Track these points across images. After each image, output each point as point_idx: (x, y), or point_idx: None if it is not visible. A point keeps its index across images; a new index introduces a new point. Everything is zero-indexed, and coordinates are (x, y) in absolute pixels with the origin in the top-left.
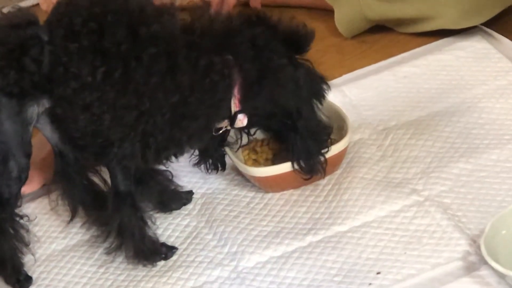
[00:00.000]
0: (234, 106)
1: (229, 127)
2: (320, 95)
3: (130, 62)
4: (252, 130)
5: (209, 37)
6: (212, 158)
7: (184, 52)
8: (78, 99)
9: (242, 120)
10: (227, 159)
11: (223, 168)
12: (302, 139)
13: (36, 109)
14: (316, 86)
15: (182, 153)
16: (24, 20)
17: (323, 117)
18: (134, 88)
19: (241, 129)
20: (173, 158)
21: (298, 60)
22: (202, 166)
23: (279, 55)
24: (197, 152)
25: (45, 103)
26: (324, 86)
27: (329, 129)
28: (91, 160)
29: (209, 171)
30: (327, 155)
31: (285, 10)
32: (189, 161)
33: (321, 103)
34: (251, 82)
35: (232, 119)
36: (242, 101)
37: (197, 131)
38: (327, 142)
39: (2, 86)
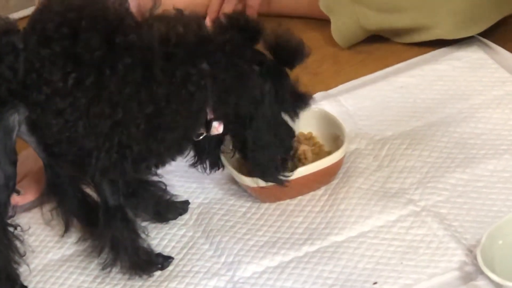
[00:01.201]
0: (209, 113)
1: (206, 134)
2: (290, 112)
3: (104, 70)
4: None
5: (184, 46)
6: (210, 158)
7: (160, 63)
8: (51, 105)
9: (217, 128)
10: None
11: (222, 167)
12: (249, 149)
13: (17, 117)
14: (287, 101)
15: (163, 164)
16: (0, 29)
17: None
18: (108, 97)
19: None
20: (154, 169)
21: (272, 70)
22: (199, 166)
23: (248, 61)
24: (192, 153)
25: (25, 111)
26: (299, 104)
27: (287, 149)
28: (71, 171)
29: (207, 171)
30: (316, 170)
31: (281, 20)
32: (185, 161)
33: (292, 119)
34: (221, 90)
35: (208, 126)
36: (214, 109)
37: (175, 142)
38: (284, 162)
39: None
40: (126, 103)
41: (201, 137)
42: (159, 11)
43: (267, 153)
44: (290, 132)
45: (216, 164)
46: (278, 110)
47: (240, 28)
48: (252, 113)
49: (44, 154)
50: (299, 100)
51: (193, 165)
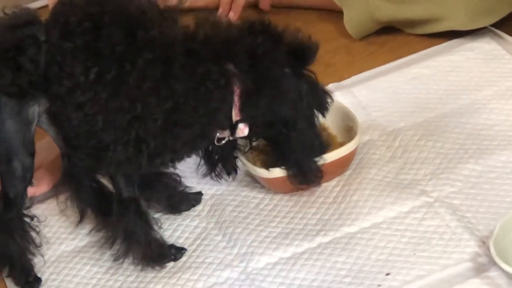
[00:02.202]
0: (235, 115)
1: (231, 138)
2: (322, 108)
3: (125, 65)
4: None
5: (210, 45)
6: (225, 164)
7: (182, 59)
8: (71, 98)
9: (243, 130)
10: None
11: (235, 173)
12: (292, 150)
13: (37, 108)
14: (319, 98)
15: (178, 160)
16: (23, 20)
17: (330, 125)
18: (127, 92)
19: (244, 138)
20: (170, 164)
21: (302, 71)
22: (213, 175)
23: (280, 65)
24: (203, 163)
25: (45, 102)
26: (327, 99)
27: (324, 147)
28: (87, 162)
29: (221, 178)
30: (324, 163)
31: (294, 12)
32: (197, 171)
33: (323, 116)
34: (250, 92)
35: (233, 128)
36: (241, 110)
37: (191, 139)
38: (320, 156)
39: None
40: (145, 98)
41: (223, 142)
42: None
43: (311, 154)
44: (318, 127)
45: (231, 171)
46: (312, 107)
47: (264, 32)
48: (293, 114)
49: (63, 144)
50: (327, 95)
51: (207, 174)
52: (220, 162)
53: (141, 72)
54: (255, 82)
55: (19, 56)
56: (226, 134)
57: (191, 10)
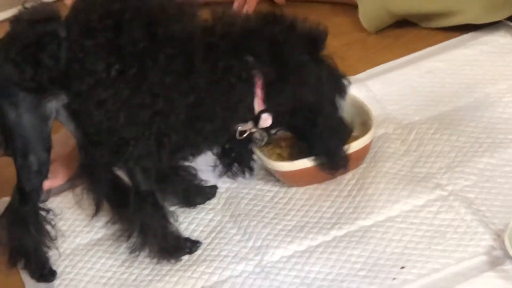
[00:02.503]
0: (258, 105)
1: (253, 130)
2: (342, 91)
3: (146, 61)
4: (274, 131)
5: (229, 38)
6: (240, 162)
7: (202, 53)
8: (93, 95)
9: (266, 120)
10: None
11: (251, 171)
12: (321, 135)
13: (55, 104)
14: (338, 82)
15: (199, 153)
16: (44, 16)
17: (345, 116)
18: (149, 87)
19: (265, 129)
20: (190, 158)
21: (319, 56)
22: (230, 174)
23: (300, 52)
24: (219, 162)
25: (64, 98)
26: (345, 82)
27: (349, 129)
28: (107, 158)
29: (237, 178)
30: (349, 151)
31: (309, 5)
32: (214, 171)
33: (343, 99)
34: (274, 80)
35: (256, 119)
36: (265, 100)
37: (213, 132)
38: (346, 140)
39: (19, 81)
40: (167, 93)
41: (245, 135)
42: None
43: (340, 138)
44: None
45: (246, 170)
46: (335, 91)
47: (278, 22)
48: (317, 99)
49: (82, 138)
50: (344, 79)
51: (222, 174)
52: (236, 161)
53: (162, 68)
54: (278, 71)
55: (39, 52)
56: (248, 126)
57: (206, 4)
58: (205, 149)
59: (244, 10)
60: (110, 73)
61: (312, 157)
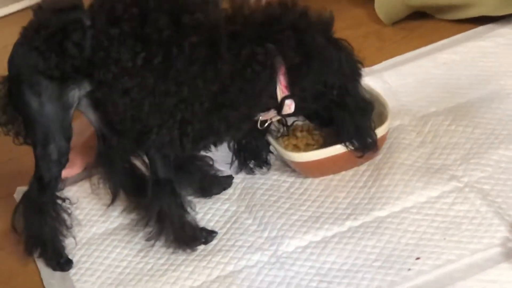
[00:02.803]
0: (281, 92)
1: (275, 118)
2: (359, 73)
3: (171, 49)
4: (292, 120)
5: (251, 26)
6: (257, 157)
7: (226, 41)
8: (118, 84)
9: (290, 106)
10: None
11: (267, 166)
12: (351, 115)
13: (77, 93)
14: (355, 64)
15: (221, 142)
16: (68, 5)
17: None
18: (174, 75)
19: (284, 119)
20: (212, 147)
21: (335, 40)
22: (247, 168)
23: (319, 36)
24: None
25: (87, 87)
26: (359, 65)
27: (372, 104)
28: (129, 146)
29: (254, 171)
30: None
31: None
32: (230, 168)
33: (360, 79)
34: (298, 66)
35: (280, 105)
36: (290, 85)
37: (237, 120)
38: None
39: (43, 69)
40: (192, 81)
41: (266, 125)
42: None
43: (367, 118)
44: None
45: (263, 164)
46: (354, 72)
47: (295, 9)
48: (343, 80)
49: (103, 128)
50: (360, 63)
51: (240, 168)
52: (252, 157)
53: (188, 56)
54: (302, 56)
55: (64, 40)
56: (270, 115)
57: None
58: (227, 138)
59: (263, 1)
60: (136, 62)
61: (342, 142)
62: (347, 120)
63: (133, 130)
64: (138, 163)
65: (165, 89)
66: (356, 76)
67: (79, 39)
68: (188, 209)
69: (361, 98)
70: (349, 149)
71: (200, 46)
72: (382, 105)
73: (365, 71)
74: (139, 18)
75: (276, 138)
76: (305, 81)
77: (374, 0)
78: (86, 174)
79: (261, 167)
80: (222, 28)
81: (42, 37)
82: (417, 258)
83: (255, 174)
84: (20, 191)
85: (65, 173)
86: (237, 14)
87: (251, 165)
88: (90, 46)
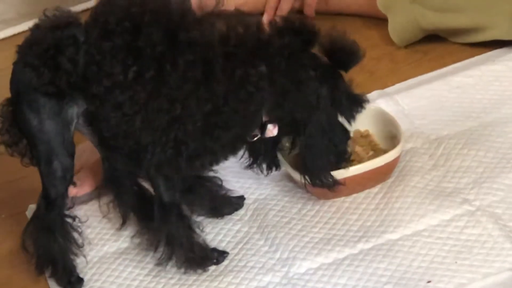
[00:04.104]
0: (265, 115)
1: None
2: (347, 115)
3: (165, 65)
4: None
5: (243, 47)
6: (266, 159)
7: (221, 61)
8: (110, 98)
9: (272, 130)
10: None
11: (278, 168)
12: (303, 154)
13: (76, 109)
14: (342, 105)
15: (217, 162)
16: (63, 22)
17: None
18: (167, 92)
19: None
20: (210, 166)
21: (328, 75)
22: (255, 168)
23: (305, 67)
24: (247, 154)
25: (83, 104)
26: (354, 107)
27: (341, 159)
28: (126, 165)
29: (263, 172)
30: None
31: (339, 18)
32: (239, 162)
33: (349, 122)
34: (278, 94)
35: (262, 128)
36: (269, 112)
37: (230, 140)
38: (333, 165)
39: (37, 86)
40: (185, 99)
41: (255, 139)
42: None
43: (319, 159)
44: (345, 135)
45: (272, 165)
46: (334, 114)
47: (296, 31)
48: (306, 118)
49: (100, 146)
50: (355, 102)
51: (249, 166)
52: (262, 157)
53: (181, 73)
54: (282, 84)
55: (58, 56)
56: (257, 132)
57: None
58: (223, 158)
59: (265, 20)
60: (127, 75)
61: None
62: (302, 155)
63: (126, 146)
64: (146, 185)
65: (157, 105)
66: (336, 117)
67: (73, 55)
68: (197, 230)
69: (322, 144)
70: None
71: (195, 64)
72: (395, 128)
73: (378, 93)
74: (132, 31)
75: (288, 159)
76: (281, 110)
77: (388, 22)
78: (97, 194)
79: (270, 168)
80: (216, 47)
81: (35, 53)
82: (428, 281)
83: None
84: (32, 209)
85: (75, 191)
86: (231, 34)
87: (260, 162)
88: (84, 61)
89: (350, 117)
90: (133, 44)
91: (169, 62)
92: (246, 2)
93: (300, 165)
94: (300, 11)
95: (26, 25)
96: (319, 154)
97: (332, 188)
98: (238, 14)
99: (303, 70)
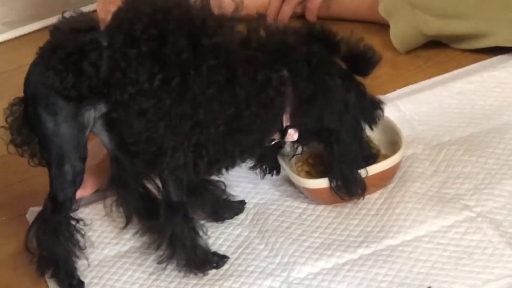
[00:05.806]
0: (286, 120)
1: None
2: (370, 120)
3: (189, 71)
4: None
5: (265, 51)
6: (268, 163)
7: (242, 65)
8: (134, 105)
9: (292, 135)
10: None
11: (278, 173)
12: (337, 161)
13: (93, 114)
14: (367, 110)
15: (233, 166)
16: (85, 25)
17: (372, 144)
18: (191, 98)
19: (294, 142)
20: (224, 171)
21: (352, 81)
22: (258, 169)
23: (332, 75)
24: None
25: (102, 108)
26: (377, 112)
27: (370, 159)
28: (143, 168)
29: (265, 174)
30: (372, 173)
31: (340, 24)
32: (241, 166)
33: (371, 128)
34: (302, 100)
35: (283, 133)
36: (292, 117)
37: (250, 145)
38: (364, 167)
39: (59, 89)
40: (208, 104)
41: (273, 143)
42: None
43: (354, 166)
44: (368, 141)
45: (274, 169)
46: (359, 119)
47: (324, 39)
48: (338, 126)
49: (117, 150)
50: (377, 107)
51: (253, 168)
52: (266, 160)
53: (205, 79)
54: (309, 91)
55: (81, 61)
56: (276, 136)
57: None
58: (240, 162)
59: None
60: (153, 83)
61: (329, 178)
62: (332, 164)
63: (147, 152)
64: (150, 186)
65: (181, 111)
66: (364, 123)
67: (96, 60)
68: (200, 233)
69: (354, 149)
70: (331, 188)
71: (218, 69)
72: (396, 134)
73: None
74: (158, 39)
75: (289, 164)
76: (305, 116)
77: (390, 28)
78: (100, 196)
79: (272, 172)
80: (238, 52)
81: (59, 56)
82: (429, 287)
83: (267, 193)
84: (32, 211)
85: (78, 194)
86: (252, 38)
87: (264, 167)
88: (107, 66)
89: (373, 122)
90: (159, 51)
91: (193, 68)
92: (247, 6)
93: (333, 174)
94: (301, 16)
95: (27, 28)
96: (354, 161)
97: (362, 196)
98: (259, 18)
99: (330, 77)
